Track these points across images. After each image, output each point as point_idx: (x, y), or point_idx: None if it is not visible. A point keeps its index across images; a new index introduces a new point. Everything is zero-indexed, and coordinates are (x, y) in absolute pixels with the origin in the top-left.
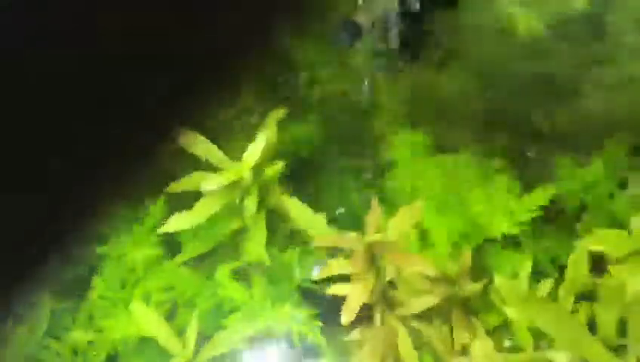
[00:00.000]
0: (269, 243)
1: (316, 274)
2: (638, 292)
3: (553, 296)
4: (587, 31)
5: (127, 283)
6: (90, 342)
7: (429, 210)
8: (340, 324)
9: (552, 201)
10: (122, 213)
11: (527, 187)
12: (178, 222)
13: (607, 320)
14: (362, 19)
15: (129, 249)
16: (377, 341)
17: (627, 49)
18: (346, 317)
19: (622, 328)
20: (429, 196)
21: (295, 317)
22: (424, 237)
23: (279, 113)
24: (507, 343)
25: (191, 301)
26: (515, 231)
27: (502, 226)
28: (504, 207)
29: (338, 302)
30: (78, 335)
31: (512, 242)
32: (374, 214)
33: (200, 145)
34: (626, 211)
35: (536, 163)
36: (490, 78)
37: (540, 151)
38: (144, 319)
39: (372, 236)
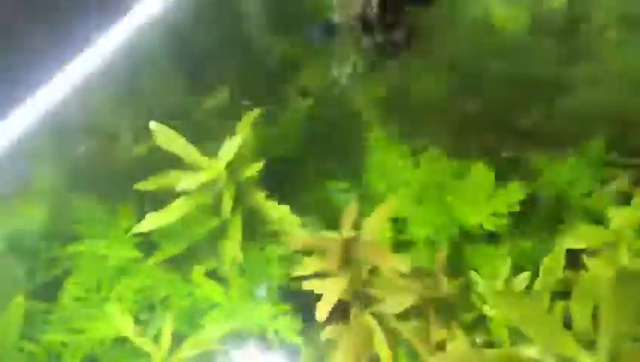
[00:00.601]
0: (246, 242)
1: (293, 272)
2: (610, 285)
3: (530, 292)
4: (567, 28)
5: (102, 284)
6: (64, 344)
7: (406, 208)
8: (317, 322)
9: (530, 198)
10: (98, 213)
11: (505, 184)
12: (152, 222)
13: (582, 315)
14: (337, 19)
15: (104, 249)
16: (352, 339)
17: (607, 46)
18: (321, 313)
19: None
20: (405, 194)
21: (272, 316)
22: (401, 234)
23: (255, 113)
24: (479, 339)
25: (167, 301)
26: (492, 227)
27: (479, 222)
28: (481, 204)
29: (315, 300)
30: (53, 337)
31: (490, 239)
32: (350, 213)
33: (176, 144)
34: (605, 207)
35: (514, 160)
36: (469, 75)
37: (518, 148)
38: (119, 320)
39: (347, 234)
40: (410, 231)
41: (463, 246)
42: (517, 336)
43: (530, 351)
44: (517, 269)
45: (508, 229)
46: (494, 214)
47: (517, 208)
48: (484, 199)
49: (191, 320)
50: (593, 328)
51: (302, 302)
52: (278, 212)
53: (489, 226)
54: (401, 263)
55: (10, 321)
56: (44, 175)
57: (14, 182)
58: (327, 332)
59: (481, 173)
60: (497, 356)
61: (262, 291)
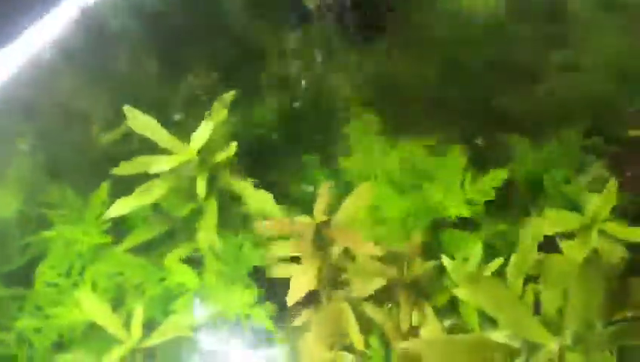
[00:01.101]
0: (221, 226)
1: (267, 257)
2: (579, 270)
3: (503, 276)
4: (545, 14)
5: (74, 270)
6: (36, 330)
7: (382, 193)
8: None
9: (507, 184)
10: (70, 199)
11: (482, 170)
12: (123, 206)
13: (551, 299)
14: (312, 4)
15: (76, 235)
16: (324, 323)
17: (584, 31)
18: (292, 298)
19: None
20: (382, 178)
21: (246, 301)
22: (376, 218)
23: (229, 96)
24: (450, 322)
25: (139, 287)
26: (467, 212)
27: (455, 208)
28: (458, 189)
29: (289, 284)
30: (25, 323)
31: (465, 224)
32: (323, 198)
33: (149, 128)
34: (581, 193)
35: (491, 145)
36: (446, 61)
37: (496, 134)
38: (90, 306)
39: (321, 219)
40: (385, 216)
41: (437, 232)
42: (487, 319)
43: (498, 335)
44: (491, 254)
45: (483, 215)
46: (470, 199)
47: (493, 194)
48: (460, 184)
49: (163, 306)
50: (561, 312)
51: (275, 287)
52: (253, 196)
53: (464, 212)
54: (374, 248)
55: None
56: (15, 161)
57: None
58: (299, 318)
59: (457, 158)
60: (466, 341)
61: (236, 275)
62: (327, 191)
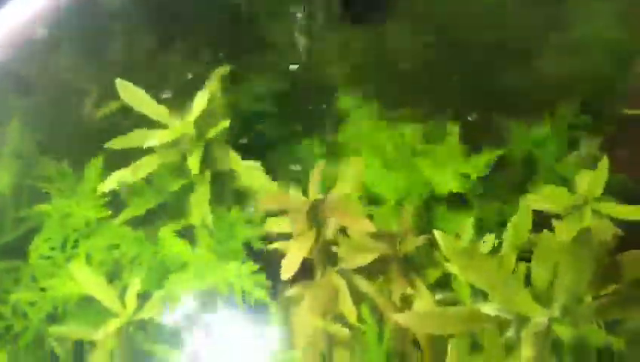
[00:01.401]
0: (215, 201)
1: (261, 232)
2: (569, 245)
3: (495, 253)
4: None
5: (69, 243)
6: (31, 302)
7: (375, 170)
8: (284, 281)
9: (499, 161)
10: (65, 173)
11: (476, 148)
12: (117, 180)
13: (541, 274)
14: None
15: (71, 208)
16: (317, 296)
17: (581, 12)
18: (286, 272)
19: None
20: (376, 156)
21: (240, 275)
22: (370, 195)
23: (223, 70)
24: (442, 296)
25: (134, 260)
26: (460, 189)
27: (448, 185)
28: (451, 167)
29: (282, 258)
30: (20, 296)
31: (458, 202)
32: (318, 173)
33: (142, 101)
34: (574, 172)
35: (485, 123)
36: (443, 39)
37: (490, 112)
38: (84, 279)
39: (314, 195)
40: (378, 193)
41: (430, 209)
42: (478, 292)
43: (488, 308)
44: (484, 231)
45: (476, 192)
46: (463, 177)
47: (486, 171)
48: (453, 162)
49: (158, 280)
50: (551, 286)
51: (270, 262)
52: (247, 171)
53: (457, 189)
54: (368, 224)
55: None
56: (9, 135)
57: None
58: (293, 291)
59: (451, 136)
60: (458, 313)
61: (230, 250)
62: (321, 169)
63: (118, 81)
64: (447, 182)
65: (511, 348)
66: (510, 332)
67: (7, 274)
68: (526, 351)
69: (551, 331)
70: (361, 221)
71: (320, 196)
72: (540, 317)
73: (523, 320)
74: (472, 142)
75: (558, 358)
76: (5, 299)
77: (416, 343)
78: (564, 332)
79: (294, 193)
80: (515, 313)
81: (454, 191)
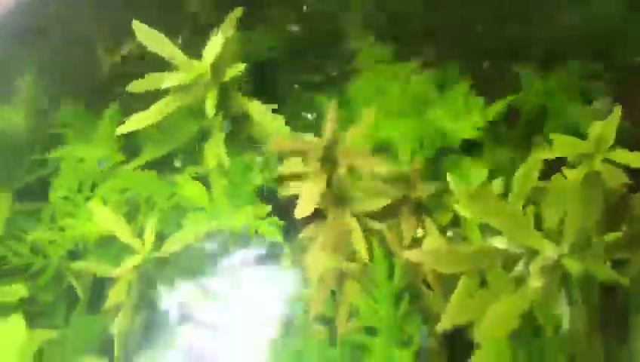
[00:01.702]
0: (229, 145)
1: (274, 175)
2: (580, 185)
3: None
4: None
5: (86, 186)
6: (50, 241)
7: (387, 118)
8: (297, 223)
9: (511, 111)
10: (81, 117)
11: (487, 96)
12: (136, 122)
13: (551, 215)
14: None
15: (87, 152)
16: (330, 235)
17: None
18: (300, 212)
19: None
20: (388, 104)
21: (254, 217)
22: (382, 143)
23: (238, 12)
24: (451, 233)
25: (150, 203)
26: (472, 136)
27: (460, 133)
28: (463, 115)
29: (296, 203)
30: (39, 235)
31: (469, 151)
32: (331, 117)
33: (159, 43)
34: (586, 120)
35: (497, 72)
36: None
37: (503, 61)
38: (104, 217)
39: (329, 138)
40: (389, 141)
41: (441, 158)
42: (488, 235)
43: (498, 242)
44: (494, 179)
45: (487, 142)
46: (474, 126)
47: (497, 121)
48: (465, 111)
49: (174, 222)
50: (560, 225)
51: (283, 205)
52: (262, 115)
53: (469, 136)
54: (380, 165)
55: None
56: (25, 82)
57: None
58: (306, 231)
59: (463, 85)
60: (468, 251)
61: (244, 193)
62: (335, 112)
63: (135, 22)
64: (459, 131)
65: (520, 281)
66: (519, 267)
67: (27, 215)
68: (534, 283)
69: (560, 265)
70: (374, 162)
71: (333, 138)
72: (549, 252)
73: (532, 255)
74: (484, 92)
75: (566, 291)
76: (24, 238)
77: (425, 282)
78: (573, 267)
79: (308, 135)
80: (525, 248)
81: (466, 140)
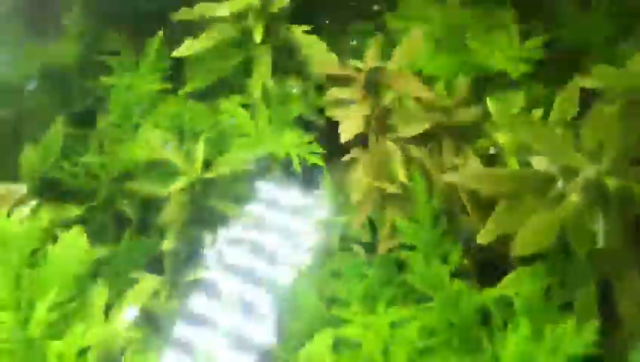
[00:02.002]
0: (275, 73)
1: (317, 103)
2: (620, 107)
3: None
4: None
5: (135, 113)
6: (102, 165)
7: (428, 49)
8: (338, 150)
9: (552, 44)
10: (128, 47)
11: (528, 29)
12: (188, 48)
13: (591, 138)
14: None
15: (135, 81)
16: (372, 159)
17: None
18: (344, 135)
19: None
20: (428, 36)
21: (297, 144)
22: (422, 73)
23: None
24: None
25: (197, 129)
26: (511, 71)
27: (499, 65)
28: (502, 48)
29: (338, 130)
30: (91, 158)
31: (509, 83)
32: (375, 44)
33: None
34: (626, 55)
35: (537, 6)
36: None
37: None
38: (155, 141)
39: (372, 63)
40: (431, 71)
41: (481, 88)
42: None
43: (538, 163)
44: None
45: (527, 74)
46: (514, 58)
47: (539, 53)
48: (505, 43)
49: (219, 148)
50: (600, 148)
51: (324, 132)
52: (308, 43)
53: (509, 70)
54: (424, 90)
55: (51, 142)
56: (74, 12)
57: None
58: (348, 155)
59: (504, 17)
60: (507, 173)
61: (287, 121)
62: (379, 39)
63: None
64: (498, 63)
65: (558, 200)
66: (559, 186)
67: (79, 140)
68: (574, 198)
69: (599, 182)
70: (417, 87)
71: (377, 64)
72: (589, 171)
73: (572, 174)
74: (525, 22)
75: (603, 209)
76: (78, 162)
77: (462, 207)
78: (612, 184)
79: (353, 62)
80: (565, 168)
81: (506, 72)
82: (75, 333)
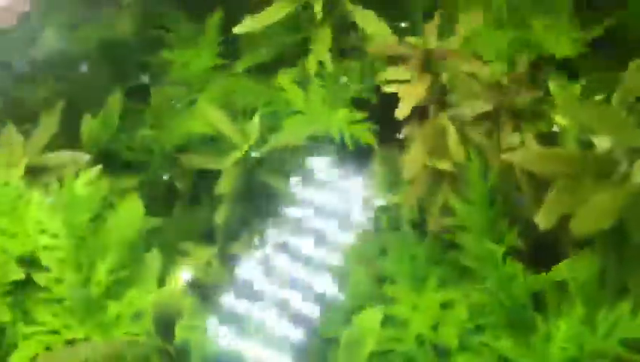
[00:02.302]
0: (333, 51)
1: (372, 82)
2: None
3: None
4: None
5: (192, 88)
6: (156, 139)
7: (488, 29)
8: (389, 131)
9: (615, 28)
10: (186, 24)
11: (589, 12)
12: (250, 24)
13: None
14: None
15: (193, 57)
16: (428, 136)
17: None
18: (401, 112)
19: None
20: (488, 16)
21: (350, 122)
22: (481, 52)
23: None
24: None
25: (251, 105)
26: (571, 53)
27: (559, 48)
28: (563, 29)
29: (391, 109)
30: (146, 132)
31: (568, 65)
32: (434, 22)
33: None
34: None
35: None
36: None
37: None
38: (211, 115)
39: (430, 41)
40: (490, 50)
41: (540, 69)
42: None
43: (601, 144)
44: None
45: (587, 57)
46: (576, 40)
47: (599, 35)
48: (566, 25)
49: (273, 124)
50: None
51: (377, 112)
52: (368, 22)
53: (568, 52)
54: (483, 68)
55: (109, 115)
56: None
57: None
58: (405, 131)
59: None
60: (568, 154)
61: (341, 99)
62: (437, 17)
63: None
64: (559, 45)
65: (621, 182)
66: (622, 167)
67: (134, 114)
68: (637, 180)
69: None
70: (477, 65)
71: (435, 42)
72: None
73: (635, 154)
74: (587, 5)
75: None
76: (135, 135)
77: (519, 189)
78: None
79: (411, 39)
80: (626, 148)
81: (566, 54)
82: (131, 296)
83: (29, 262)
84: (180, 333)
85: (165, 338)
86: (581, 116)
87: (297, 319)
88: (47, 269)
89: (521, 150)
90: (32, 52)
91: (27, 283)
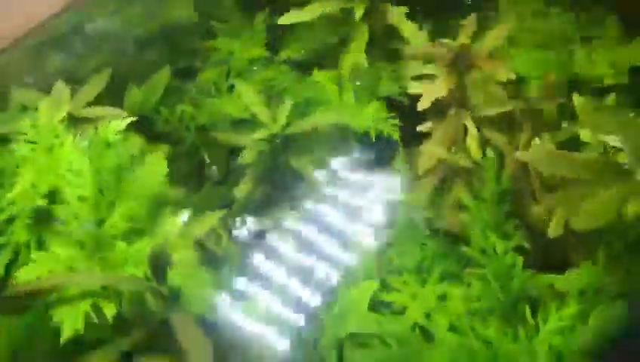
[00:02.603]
0: (368, 52)
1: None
2: None
3: None
4: None
5: (232, 73)
6: (193, 116)
7: (526, 49)
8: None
9: None
10: (236, 14)
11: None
12: (293, 16)
13: None
14: None
15: (236, 46)
16: (447, 131)
17: None
18: (423, 103)
19: None
20: (527, 38)
21: (377, 118)
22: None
23: None
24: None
25: (286, 92)
26: (609, 80)
27: (596, 74)
28: (604, 56)
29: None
30: (184, 108)
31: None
32: (469, 25)
33: None
34: None
35: None
36: None
37: None
38: (248, 96)
39: (463, 41)
40: (524, 65)
41: (569, 89)
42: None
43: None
44: None
45: (625, 87)
46: (614, 68)
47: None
48: (607, 52)
49: (303, 112)
50: None
51: (407, 113)
52: (406, 26)
53: (606, 80)
54: (508, 72)
55: (154, 86)
56: None
57: None
58: (423, 125)
59: (610, 25)
60: (581, 156)
61: (371, 97)
62: (473, 20)
63: None
64: (596, 71)
65: (625, 177)
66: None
67: (178, 92)
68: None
69: None
70: (502, 68)
71: (467, 43)
72: None
73: None
74: (633, 32)
75: None
76: (174, 110)
77: (532, 192)
78: None
79: (444, 40)
80: None
81: (603, 82)
82: (141, 244)
83: (54, 196)
84: (173, 278)
85: (158, 280)
86: (601, 125)
87: (295, 304)
88: (67, 204)
89: (534, 148)
90: (88, 30)
91: (48, 215)
